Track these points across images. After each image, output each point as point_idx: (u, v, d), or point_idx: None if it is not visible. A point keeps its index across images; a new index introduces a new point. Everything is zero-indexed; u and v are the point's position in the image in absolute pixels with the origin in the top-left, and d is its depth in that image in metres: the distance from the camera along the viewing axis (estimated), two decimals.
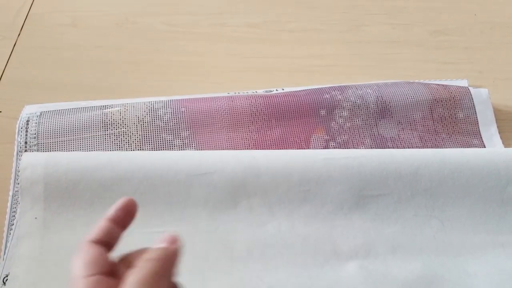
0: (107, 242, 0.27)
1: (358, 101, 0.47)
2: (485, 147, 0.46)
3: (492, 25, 0.57)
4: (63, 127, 0.44)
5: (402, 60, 0.54)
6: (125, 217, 0.28)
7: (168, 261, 0.26)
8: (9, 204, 0.41)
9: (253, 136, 0.45)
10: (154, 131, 0.44)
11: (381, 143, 0.46)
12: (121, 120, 0.45)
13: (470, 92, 0.48)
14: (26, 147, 0.43)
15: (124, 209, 0.28)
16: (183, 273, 0.37)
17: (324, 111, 0.46)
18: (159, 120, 0.45)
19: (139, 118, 0.45)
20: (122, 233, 0.28)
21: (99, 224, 0.27)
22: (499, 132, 0.47)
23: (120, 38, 0.55)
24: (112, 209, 0.28)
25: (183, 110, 0.45)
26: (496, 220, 0.40)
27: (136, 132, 0.44)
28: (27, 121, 0.44)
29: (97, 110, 0.45)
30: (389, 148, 0.45)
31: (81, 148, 0.43)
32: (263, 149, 0.44)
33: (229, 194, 0.40)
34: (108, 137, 0.44)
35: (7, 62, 0.52)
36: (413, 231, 0.40)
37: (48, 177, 0.39)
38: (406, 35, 0.56)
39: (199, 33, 0.56)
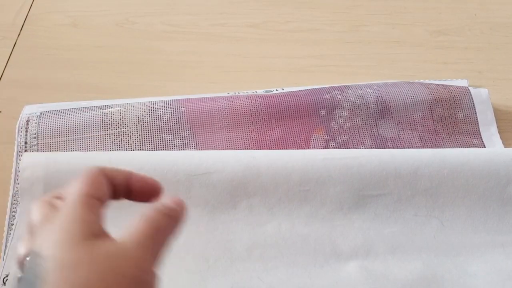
0: (111, 187, 0.25)
1: (358, 101, 0.47)
2: (485, 147, 0.46)
3: (492, 25, 0.57)
4: (63, 127, 0.44)
5: (402, 60, 0.54)
6: (140, 193, 0.26)
7: (176, 223, 0.25)
8: (9, 204, 0.41)
9: (253, 136, 0.45)
10: (154, 131, 0.44)
11: (381, 143, 0.46)
12: (121, 120, 0.45)
13: (470, 92, 0.48)
14: (26, 147, 0.43)
15: (150, 187, 0.26)
16: (183, 273, 0.37)
17: (324, 111, 0.46)
18: (159, 120, 0.45)
19: (139, 118, 0.45)
20: (119, 200, 0.26)
21: (120, 170, 0.26)
22: (499, 132, 0.47)
23: (120, 38, 0.55)
24: (142, 176, 0.26)
25: (183, 110, 0.45)
26: (496, 220, 0.40)
27: (136, 132, 0.44)
28: (27, 121, 0.44)
29: (97, 110, 0.45)
30: (389, 148, 0.45)
31: (81, 148, 0.43)
32: (263, 149, 0.44)
33: (229, 194, 0.40)
34: (108, 137, 0.44)
35: (7, 62, 0.52)
36: (413, 231, 0.40)
37: (48, 177, 0.39)
38: (406, 35, 0.56)
39: (199, 33, 0.56)
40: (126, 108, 0.45)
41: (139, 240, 0.23)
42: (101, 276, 0.21)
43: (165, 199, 0.25)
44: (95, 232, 0.22)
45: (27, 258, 0.22)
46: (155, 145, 0.44)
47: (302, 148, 0.45)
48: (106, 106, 0.45)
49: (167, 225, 0.24)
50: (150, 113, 0.45)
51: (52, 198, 0.25)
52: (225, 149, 0.44)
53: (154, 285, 0.22)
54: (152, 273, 0.23)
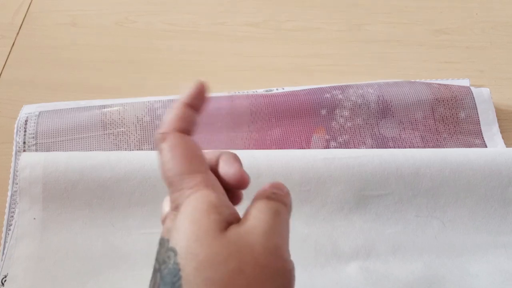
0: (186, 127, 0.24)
1: (359, 100, 0.46)
2: (486, 146, 0.46)
3: (493, 25, 0.57)
4: (61, 127, 0.44)
5: (403, 59, 0.53)
6: (198, 102, 0.25)
7: (290, 210, 0.23)
8: (7, 205, 0.41)
9: (253, 136, 0.45)
10: (153, 131, 0.44)
11: (382, 142, 0.45)
12: (120, 119, 0.44)
13: (471, 91, 0.48)
14: (24, 147, 0.43)
15: (197, 93, 0.25)
16: None
17: (324, 111, 0.46)
18: (159, 120, 0.45)
19: (138, 117, 0.44)
20: (197, 118, 0.25)
21: (175, 109, 0.25)
22: (501, 132, 0.47)
23: (120, 37, 0.55)
24: (185, 95, 0.25)
25: None
26: (497, 221, 0.40)
27: (135, 132, 0.44)
28: (26, 121, 0.44)
29: (96, 110, 0.45)
30: (390, 148, 0.45)
31: (80, 148, 0.43)
32: (263, 149, 0.44)
33: None
34: (107, 136, 0.44)
35: (6, 61, 0.52)
36: (414, 232, 0.39)
37: (46, 177, 0.38)
38: (407, 34, 0.56)
39: (199, 33, 0.56)
40: (125, 107, 0.45)
41: (269, 228, 0.21)
42: (242, 269, 0.19)
43: (271, 186, 0.24)
44: (226, 217, 0.21)
45: (160, 247, 0.20)
46: (154, 145, 0.44)
47: (302, 148, 0.45)
48: (105, 106, 0.45)
49: (285, 211, 0.23)
50: (150, 113, 0.45)
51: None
52: (225, 149, 0.44)
53: (293, 274, 0.21)
54: (290, 262, 0.21)
